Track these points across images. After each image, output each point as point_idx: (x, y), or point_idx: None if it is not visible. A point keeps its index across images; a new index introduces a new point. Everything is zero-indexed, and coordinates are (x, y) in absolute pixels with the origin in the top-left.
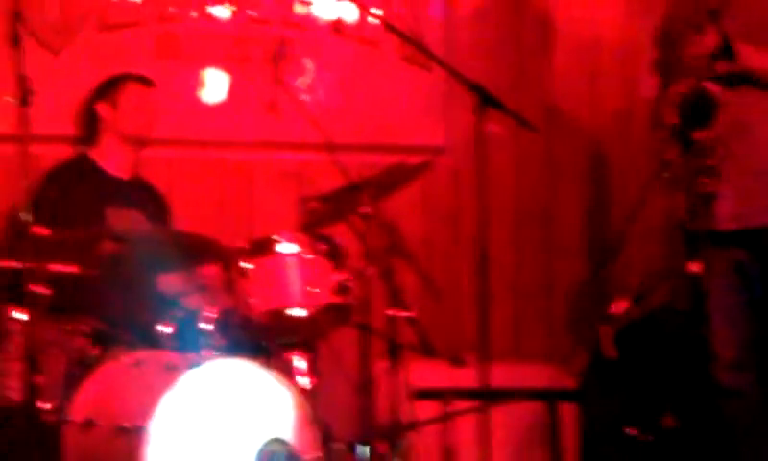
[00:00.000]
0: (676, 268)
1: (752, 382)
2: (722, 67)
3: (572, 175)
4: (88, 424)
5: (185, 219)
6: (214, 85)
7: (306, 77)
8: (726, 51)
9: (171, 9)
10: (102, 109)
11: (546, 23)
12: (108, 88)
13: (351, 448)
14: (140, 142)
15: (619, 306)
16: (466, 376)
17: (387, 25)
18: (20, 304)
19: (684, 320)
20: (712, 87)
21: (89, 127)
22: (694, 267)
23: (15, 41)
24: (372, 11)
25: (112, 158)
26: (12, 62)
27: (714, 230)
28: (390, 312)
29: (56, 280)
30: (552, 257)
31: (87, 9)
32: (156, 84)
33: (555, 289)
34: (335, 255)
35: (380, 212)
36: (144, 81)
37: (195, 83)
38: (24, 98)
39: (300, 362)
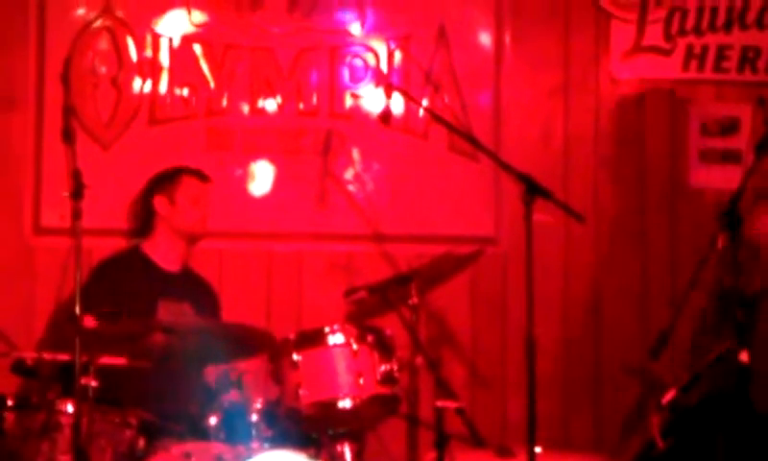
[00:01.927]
0: (725, 355)
1: None
2: None
3: (620, 264)
4: None
5: (235, 310)
6: (263, 177)
7: (354, 168)
8: None
9: (221, 103)
10: (159, 202)
11: (593, 113)
12: (166, 182)
13: None
14: (194, 239)
15: (668, 395)
16: None
17: (434, 116)
18: (70, 396)
19: (734, 408)
20: None
21: (144, 219)
22: (744, 355)
23: (68, 136)
24: (420, 102)
25: (164, 252)
26: (65, 157)
27: None
28: (438, 403)
29: (105, 372)
30: (600, 346)
31: (138, 103)
32: (211, 180)
33: (603, 378)
34: (383, 346)
35: (428, 303)
36: (201, 176)
37: (244, 175)
38: (77, 192)
39: (348, 453)
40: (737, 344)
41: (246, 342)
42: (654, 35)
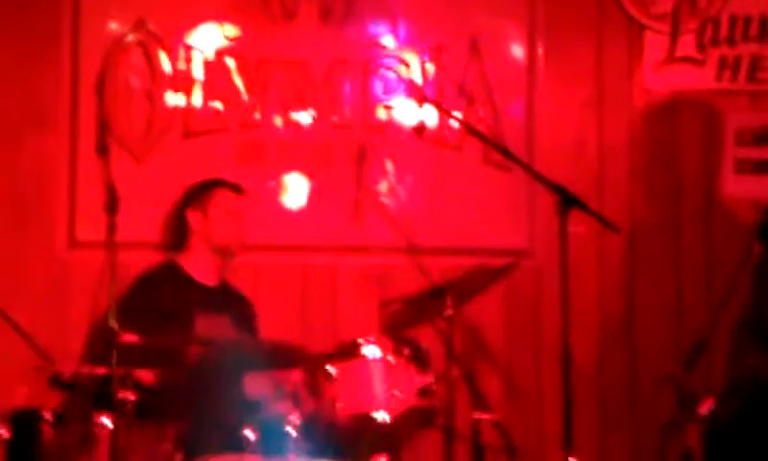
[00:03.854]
0: (763, 366)
1: None
2: None
3: (654, 275)
4: None
5: (270, 323)
6: (297, 190)
7: (388, 181)
8: None
9: (255, 115)
10: (192, 216)
11: (627, 124)
12: (199, 195)
13: None
14: (228, 253)
15: (705, 406)
16: None
17: (468, 128)
18: (107, 410)
19: None
20: None
21: (179, 233)
22: None
23: (103, 150)
24: (453, 114)
25: (200, 266)
26: (99, 170)
27: None
28: (474, 415)
29: (142, 386)
30: (635, 358)
31: (171, 116)
32: (246, 192)
33: (639, 390)
34: (419, 359)
35: (463, 315)
36: (235, 188)
37: (278, 188)
38: (111, 206)
39: None
40: None
41: (282, 355)
42: (687, 45)
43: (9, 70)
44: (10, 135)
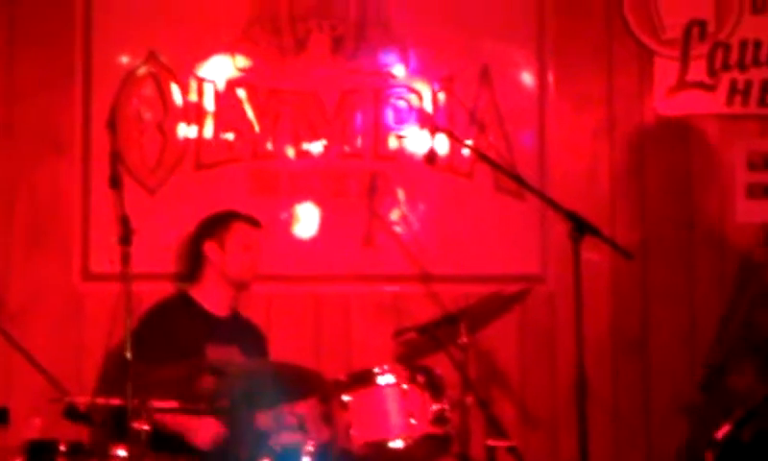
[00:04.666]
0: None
1: None
2: None
3: (667, 299)
4: None
5: (283, 353)
6: (309, 220)
7: (400, 209)
8: None
9: (266, 146)
10: (209, 248)
11: (639, 150)
12: (216, 226)
13: None
14: (242, 285)
15: (721, 431)
16: None
17: (480, 155)
18: (122, 441)
19: None
20: None
21: (193, 264)
22: None
23: (115, 183)
24: (465, 142)
25: (213, 297)
26: (112, 202)
27: None
28: (489, 442)
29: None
30: (649, 383)
31: (183, 148)
32: (262, 226)
33: (653, 414)
34: (434, 386)
35: (477, 342)
36: (252, 222)
37: (290, 218)
38: (125, 237)
39: None
40: None
41: (297, 384)
42: (697, 70)
43: (22, 103)
44: (24, 169)
